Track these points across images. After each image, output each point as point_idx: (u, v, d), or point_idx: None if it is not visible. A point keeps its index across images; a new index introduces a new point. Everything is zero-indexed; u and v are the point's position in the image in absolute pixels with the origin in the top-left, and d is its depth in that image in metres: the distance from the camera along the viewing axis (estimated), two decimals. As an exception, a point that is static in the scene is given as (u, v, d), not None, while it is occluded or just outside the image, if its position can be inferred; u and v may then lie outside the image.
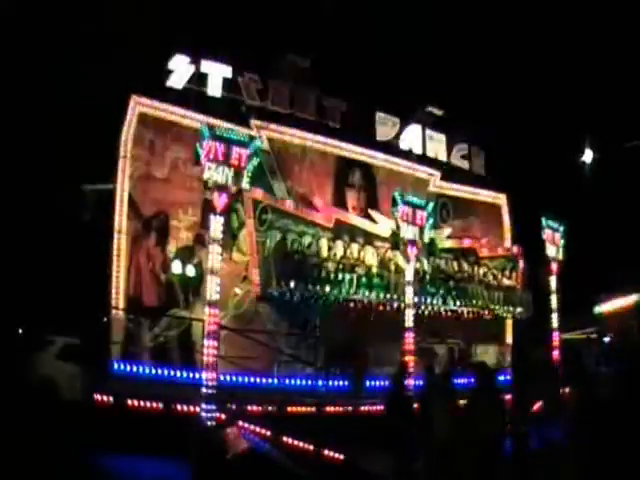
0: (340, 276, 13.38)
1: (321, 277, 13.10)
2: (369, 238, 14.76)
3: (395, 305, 13.92)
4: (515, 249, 17.59)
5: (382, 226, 15.05)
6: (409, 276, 12.55)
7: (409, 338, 12.28)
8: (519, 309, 16.68)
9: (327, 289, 13.12)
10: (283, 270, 12.62)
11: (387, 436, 8.10)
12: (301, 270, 12.83)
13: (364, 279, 13.72)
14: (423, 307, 14.40)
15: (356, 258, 14.08)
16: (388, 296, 13.94)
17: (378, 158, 16.37)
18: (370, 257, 14.35)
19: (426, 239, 12.95)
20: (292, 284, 12.61)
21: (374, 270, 14.09)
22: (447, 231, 16.83)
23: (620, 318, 18.84)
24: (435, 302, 14.77)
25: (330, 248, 13.73)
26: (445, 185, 17.52)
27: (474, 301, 15.63)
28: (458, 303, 15.28)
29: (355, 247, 14.23)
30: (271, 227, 13.09)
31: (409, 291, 12.55)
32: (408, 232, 12.51)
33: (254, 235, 12.96)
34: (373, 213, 15.56)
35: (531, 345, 16.22)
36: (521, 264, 17.29)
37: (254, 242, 12.94)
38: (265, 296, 12.90)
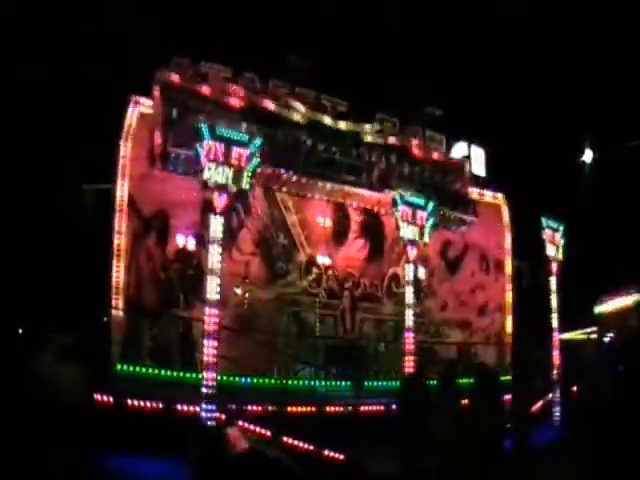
0: None
1: None
2: None
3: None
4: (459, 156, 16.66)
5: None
6: (409, 276, 12.55)
7: (409, 338, 12.29)
8: (459, 214, 16.07)
9: None
10: None
11: (394, 434, 8.08)
12: None
13: None
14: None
15: None
16: None
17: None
18: None
19: (426, 239, 12.86)
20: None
21: None
22: (377, 126, 15.52)
23: (620, 318, 18.84)
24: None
25: None
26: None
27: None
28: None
29: None
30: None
31: (409, 291, 12.55)
32: (408, 232, 12.51)
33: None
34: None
35: (531, 345, 16.22)
36: (467, 172, 16.65)
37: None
38: None
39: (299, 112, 14.09)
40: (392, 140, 15.48)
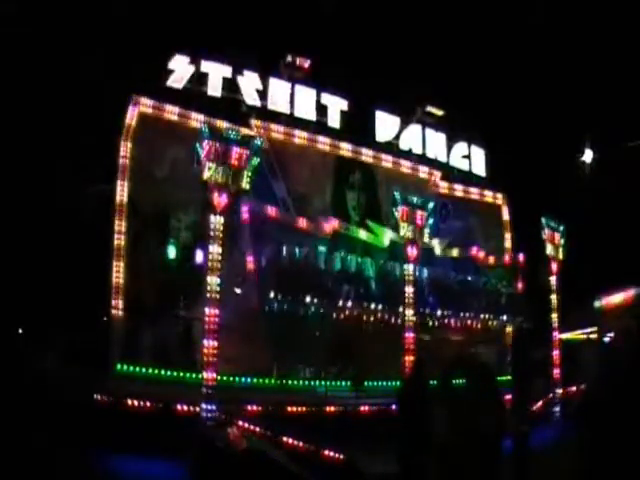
0: (338, 288, 12.70)
1: (319, 290, 12.42)
2: (368, 249, 14.05)
3: (393, 319, 13.40)
4: (520, 257, 17.08)
5: (380, 237, 14.48)
6: (409, 276, 12.53)
7: (409, 338, 12.28)
8: (520, 318, 16.16)
9: (325, 302, 12.60)
10: (279, 284, 11.96)
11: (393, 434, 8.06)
12: (298, 283, 12.18)
13: (362, 290, 13.12)
14: (423, 318, 13.86)
15: (354, 270, 13.39)
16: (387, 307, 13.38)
17: (378, 158, 16.37)
18: (369, 269, 13.69)
19: (426, 239, 12.88)
20: (289, 298, 12.05)
21: (372, 282, 13.47)
22: (446, 241, 16.11)
23: (620, 317, 18.84)
24: (435, 312, 14.30)
25: (327, 260, 13.08)
26: (445, 185, 17.53)
27: (473, 312, 15.06)
28: (458, 314, 14.78)
29: (353, 259, 13.51)
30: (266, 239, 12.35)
31: (409, 290, 12.52)
32: (408, 232, 12.50)
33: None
34: (371, 224, 14.90)
35: (531, 345, 16.21)
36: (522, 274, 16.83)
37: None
38: (264, 311, 12.22)
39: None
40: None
